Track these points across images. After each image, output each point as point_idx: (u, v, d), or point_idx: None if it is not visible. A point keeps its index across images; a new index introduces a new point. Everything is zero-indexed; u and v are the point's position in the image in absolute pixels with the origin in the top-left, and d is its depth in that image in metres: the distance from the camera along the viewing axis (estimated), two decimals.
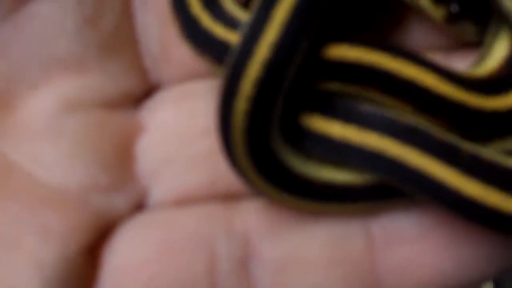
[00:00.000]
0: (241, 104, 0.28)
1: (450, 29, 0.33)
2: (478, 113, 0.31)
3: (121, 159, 0.34)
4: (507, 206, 0.28)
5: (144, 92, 0.36)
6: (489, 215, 0.29)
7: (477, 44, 0.34)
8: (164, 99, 0.36)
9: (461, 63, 0.35)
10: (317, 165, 0.32)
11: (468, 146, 0.30)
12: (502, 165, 0.30)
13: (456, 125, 0.31)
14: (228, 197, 0.34)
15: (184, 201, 0.34)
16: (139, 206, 0.35)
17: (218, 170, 0.33)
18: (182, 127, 0.35)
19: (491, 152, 0.31)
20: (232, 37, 0.30)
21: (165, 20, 0.35)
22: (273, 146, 0.30)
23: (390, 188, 0.31)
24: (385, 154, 0.30)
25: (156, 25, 0.35)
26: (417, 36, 0.36)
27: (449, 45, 0.35)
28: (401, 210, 0.33)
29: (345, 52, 0.30)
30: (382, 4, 0.35)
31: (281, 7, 0.28)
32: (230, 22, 0.31)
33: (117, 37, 0.34)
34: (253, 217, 0.33)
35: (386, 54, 0.30)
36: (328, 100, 0.31)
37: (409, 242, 0.33)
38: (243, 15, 0.31)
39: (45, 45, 0.33)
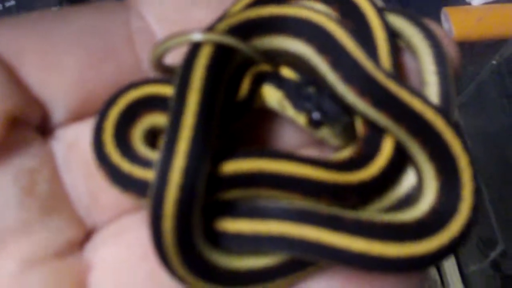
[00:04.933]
0: (167, 222, 0.35)
1: (314, 134, 0.42)
2: (349, 186, 0.39)
3: None
4: (389, 252, 0.36)
5: (84, 236, 0.42)
6: (376, 262, 0.36)
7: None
8: (102, 238, 0.42)
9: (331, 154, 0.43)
10: (238, 257, 0.39)
11: (350, 213, 0.38)
12: (378, 222, 0.38)
13: (336, 199, 0.39)
14: None
15: None
16: None
17: (163, 286, 0.39)
18: (123, 258, 0.41)
19: (368, 213, 0.39)
20: (149, 175, 0.37)
21: (88, 174, 0.41)
22: (198, 247, 0.37)
23: (299, 261, 0.39)
24: (287, 235, 0.37)
25: (81, 180, 0.42)
26: (293, 136, 0.44)
27: (320, 141, 0.43)
28: (313, 277, 0.40)
29: (237, 165, 0.38)
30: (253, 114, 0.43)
31: (181, 142, 0.35)
32: (144, 162, 0.38)
33: (52, 198, 0.40)
34: None
35: (269, 159, 0.38)
36: (234, 204, 0.39)
37: None
38: (154, 154, 0.39)
39: None
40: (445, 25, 1.29)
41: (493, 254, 1.09)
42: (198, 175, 0.35)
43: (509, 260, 1.08)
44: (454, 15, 1.28)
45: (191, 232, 0.36)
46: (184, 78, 0.37)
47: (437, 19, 1.30)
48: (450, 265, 1.14)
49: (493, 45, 1.23)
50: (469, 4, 1.34)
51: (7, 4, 1.00)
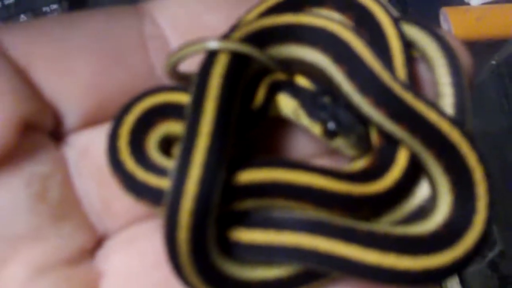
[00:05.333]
0: (182, 232, 0.34)
1: (329, 144, 0.42)
2: (363, 198, 0.39)
3: None
4: (402, 265, 0.36)
5: (96, 244, 0.42)
6: (388, 274, 0.36)
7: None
8: (114, 246, 0.42)
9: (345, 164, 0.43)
10: (252, 267, 0.39)
11: (363, 225, 0.38)
12: (392, 234, 0.38)
13: (349, 211, 0.39)
14: None
15: None
16: None
17: None
18: (135, 266, 0.41)
19: (382, 225, 0.39)
20: (164, 183, 0.37)
21: (100, 181, 0.41)
22: (212, 257, 0.37)
23: (312, 273, 0.38)
24: (300, 246, 0.37)
25: (93, 187, 0.41)
26: (307, 145, 0.44)
27: (334, 150, 0.43)
28: None
29: (252, 175, 0.37)
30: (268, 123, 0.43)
31: (198, 152, 0.35)
32: (159, 170, 0.38)
33: (64, 204, 0.40)
34: None
35: (284, 169, 0.38)
36: (248, 214, 0.39)
37: None
38: (168, 163, 0.38)
39: (5, 226, 0.38)
40: (444, 25, 1.29)
41: (491, 255, 1.09)
42: (214, 185, 0.35)
43: (507, 260, 1.08)
44: (453, 15, 1.28)
45: (205, 242, 0.36)
46: (200, 87, 0.37)
47: (436, 19, 1.30)
48: None
49: (492, 45, 1.23)
50: (468, 4, 1.34)
51: (6, 2, 0.99)
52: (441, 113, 0.38)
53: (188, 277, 0.36)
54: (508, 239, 1.08)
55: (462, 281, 1.12)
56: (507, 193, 1.12)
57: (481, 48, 1.24)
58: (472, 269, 1.12)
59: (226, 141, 0.36)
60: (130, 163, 0.38)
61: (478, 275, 1.12)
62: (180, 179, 0.35)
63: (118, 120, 0.39)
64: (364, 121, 0.41)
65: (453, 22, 1.26)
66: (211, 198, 0.35)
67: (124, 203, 0.41)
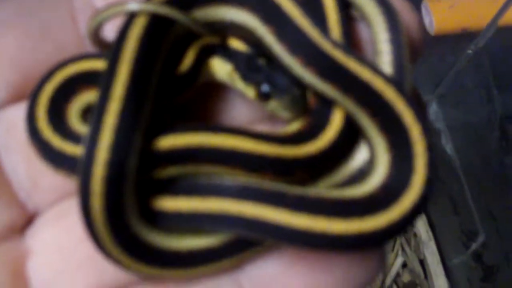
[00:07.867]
0: (95, 200, 0.33)
1: (264, 107, 0.40)
2: (294, 160, 0.37)
3: (16, 284, 0.38)
4: (334, 228, 0.34)
5: (26, 221, 0.40)
6: (319, 239, 0.34)
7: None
8: (44, 222, 0.40)
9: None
10: (179, 237, 0.37)
11: (295, 189, 0.36)
12: (325, 197, 0.36)
13: (281, 175, 0.37)
14: None
15: None
16: None
17: (102, 268, 0.37)
18: (62, 242, 0.39)
19: (317, 189, 0.37)
20: (79, 150, 0.35)
21: (28, 157, 0.39)
22: (133, 227, 0.35)
23: (244, 241, 0.37)
24: (227, 213, 0.35)
25: (21, 163, 0.40)
26: (244, 112, 0.43)
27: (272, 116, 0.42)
28: (261, 258, 0.38)
29: (173, 140, 0.36)
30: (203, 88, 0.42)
31: (109, 116, 0.33)
32: (77, 139, 0.37)
33: None
34: None
35: (208, 133, 0.36)
36: (172, 182, 0.37)
37: (274, 282, 0.38)
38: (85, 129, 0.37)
39: None
40: (426, 18, 1.28)
41: (474, 246, 1.07)
42: (128, 151, 0.33)
43: (490, 251, 1.07)
44: (434, 7, 1.27)
45: (123, 211, 0.34)
46: (116, 50, 0.35)
47: (418, 13, 1.29)
48: (433, 258, 1.13)
49: (468, 35, 1.21)
50: None
51: None
52: (375, 70, 0.37)
53: (107, 249, 0.34)
54: (491, 230, 1.07)
55: (447, 273, 1.10)
56: (488, 183, 1.10)
57: (464, 38, 1.23)
58: (456, 261, 1.10)
59: (141, 106, 0.34)
60: (47, 131, 0.37)
61: (463, 266, 1.10)
62: (91, 145, 0.33)
63: (37, 88, 0.38)
64: (300, 83, 0.39)
65: (434, 14, 1.25)
66: (125, 164, 0.33)
67: (53, 179, 0.39)
